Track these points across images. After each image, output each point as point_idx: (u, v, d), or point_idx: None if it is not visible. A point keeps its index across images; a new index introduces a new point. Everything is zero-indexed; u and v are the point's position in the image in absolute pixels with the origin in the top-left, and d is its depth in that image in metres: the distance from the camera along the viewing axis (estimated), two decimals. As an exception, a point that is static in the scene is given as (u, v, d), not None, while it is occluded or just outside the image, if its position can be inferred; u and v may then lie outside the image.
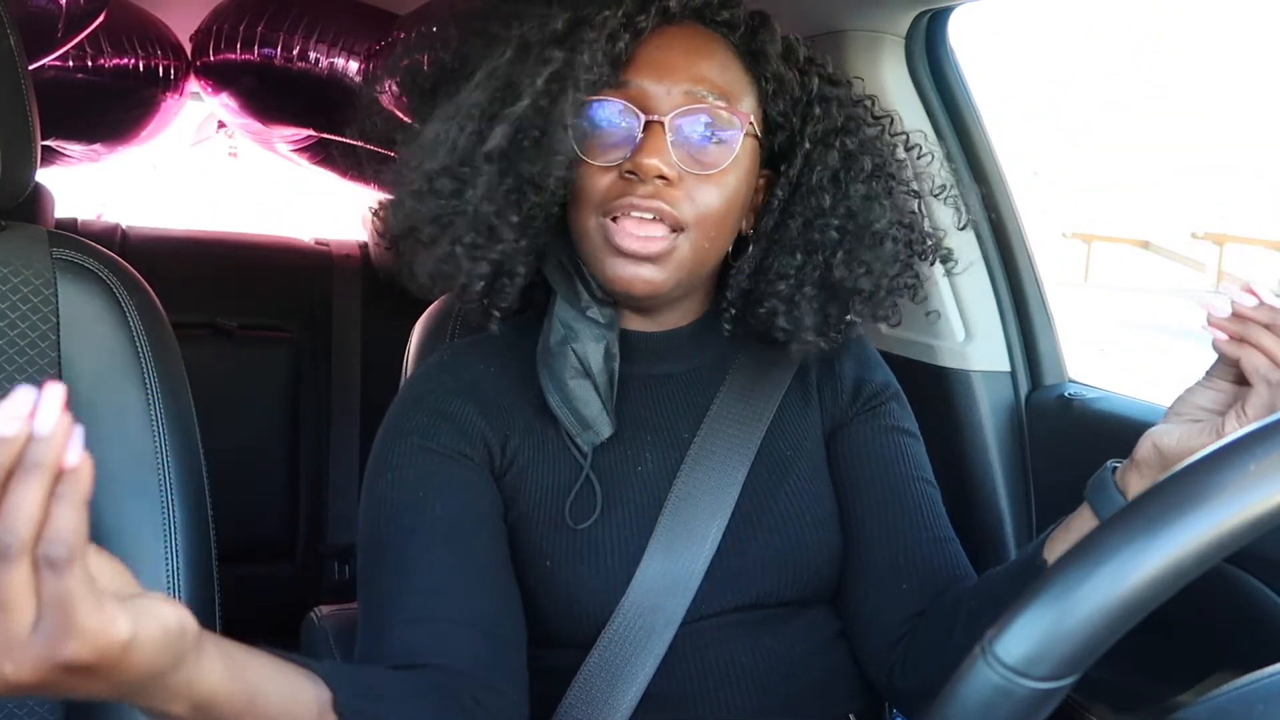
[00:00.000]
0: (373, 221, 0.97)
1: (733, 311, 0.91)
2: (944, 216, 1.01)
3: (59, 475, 0.43)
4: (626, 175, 0.82)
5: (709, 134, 0.83)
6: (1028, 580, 0.80)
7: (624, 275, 0.83)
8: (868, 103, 0.95)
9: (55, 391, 0.43)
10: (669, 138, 0.82)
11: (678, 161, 0.82)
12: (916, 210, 0.94)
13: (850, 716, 0.92)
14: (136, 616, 0.46)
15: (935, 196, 0.97)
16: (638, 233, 0.82)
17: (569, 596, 0.86)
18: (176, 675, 0.50)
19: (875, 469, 0.95)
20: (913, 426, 0.99)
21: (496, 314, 0.88)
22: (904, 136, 0.95)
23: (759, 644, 0.88)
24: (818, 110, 0.90)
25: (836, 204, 0.88)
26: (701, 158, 0.83)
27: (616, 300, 0.89)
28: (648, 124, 0.82)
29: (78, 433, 0.43)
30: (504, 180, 0.82)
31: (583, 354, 0.87)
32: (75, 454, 0.43)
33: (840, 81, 0.94)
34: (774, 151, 0.92)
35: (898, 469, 0.95)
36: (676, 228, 0.83)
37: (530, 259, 0.87)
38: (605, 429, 0.87)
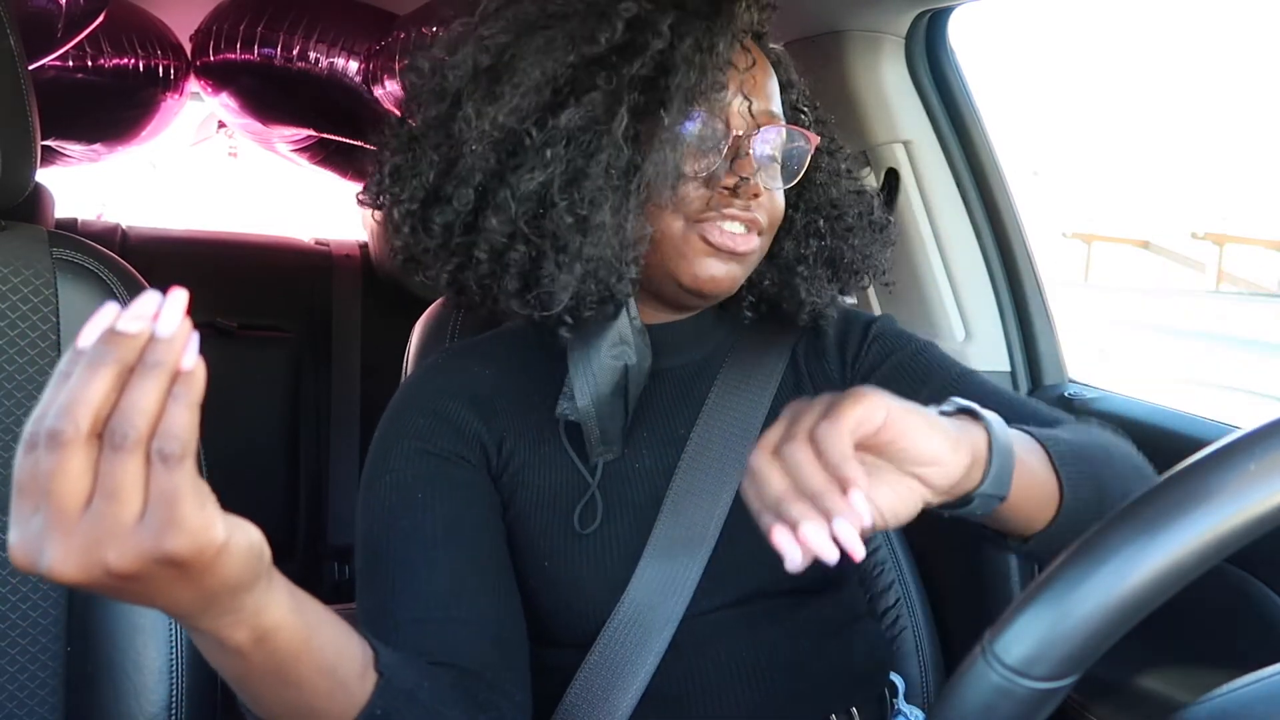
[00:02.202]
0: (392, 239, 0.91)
1: (751, 299, 0.95)
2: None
3: (175, 376, 0.45)
4: (721, 190, 0.84)
5: (788, 150, 0.88)
6: None
7: (717, 274, 0.85)
8: (815, 103, 0.99)
9: (179, 297, 0.45)
10: (754, 152, 0.84)
11: (764, 175, 0.85)
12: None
13: (853, 710, 0.92)
14: (230, 526, 0.48)
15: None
16: (735, 232, 0.84)
17: (568, 596, 0.86)
18: (250, 596, 0.52)
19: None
20: (907, 344, 0.97)
21: (569, 321, 0.84)
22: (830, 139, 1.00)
23: (760, 638, 0.88)
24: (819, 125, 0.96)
25: (830, 196, 0.95)
26: (780, 172, 0.87)
27: (693, 295, 0.88)
28: (735, 139, 0.84)
29: (194, 339, 0.45)
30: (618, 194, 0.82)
31: (634, 371, 0.87)
32: (191, 358, 0.45)
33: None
34: None
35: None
36: (760, 232, 0.87)
37: None
38: (619, 448, 0.88)
